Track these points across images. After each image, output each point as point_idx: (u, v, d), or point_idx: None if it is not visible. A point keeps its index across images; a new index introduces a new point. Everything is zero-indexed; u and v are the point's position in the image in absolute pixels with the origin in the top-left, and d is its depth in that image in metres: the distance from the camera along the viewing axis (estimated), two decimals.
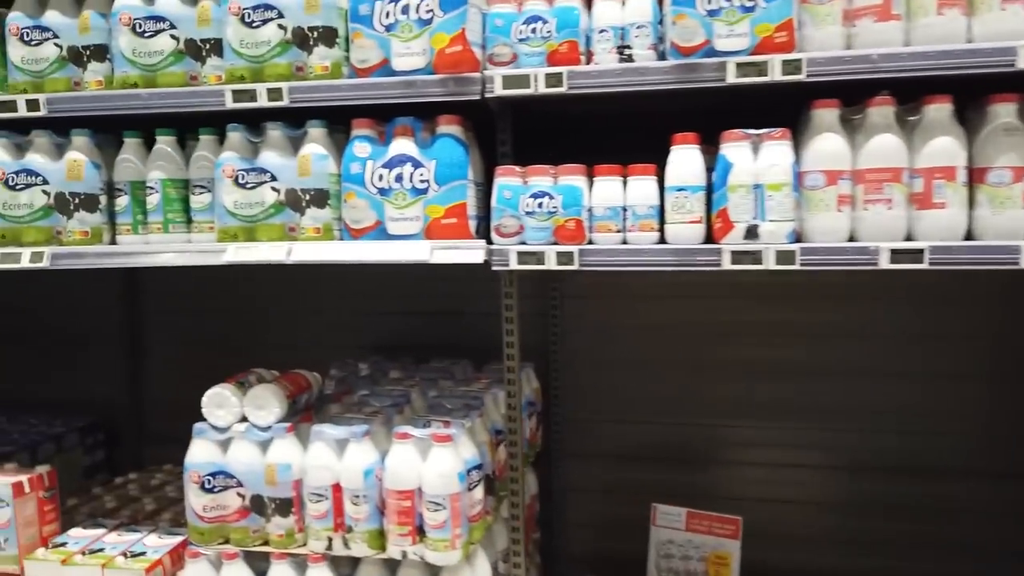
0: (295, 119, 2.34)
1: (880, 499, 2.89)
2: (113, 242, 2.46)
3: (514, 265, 2.13)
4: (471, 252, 2.15)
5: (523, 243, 2.15)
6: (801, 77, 1.93)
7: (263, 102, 2.21)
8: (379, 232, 2.23)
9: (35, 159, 2.43)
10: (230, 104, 2.23)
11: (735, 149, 2.01)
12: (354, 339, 3.26)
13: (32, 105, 2.34)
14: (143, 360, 3.55)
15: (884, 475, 2.88)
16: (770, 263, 1.97)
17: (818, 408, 2.92)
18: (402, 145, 2.22)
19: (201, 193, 2.37)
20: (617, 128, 2.54)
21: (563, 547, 3.17)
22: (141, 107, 2.29)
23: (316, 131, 2.29)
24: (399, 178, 2.21)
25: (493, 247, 2.16)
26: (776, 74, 1.94)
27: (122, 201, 2.42)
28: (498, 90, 2.10)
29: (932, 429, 2.82)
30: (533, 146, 2.43)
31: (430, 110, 2.23)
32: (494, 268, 2.16)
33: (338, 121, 2.33)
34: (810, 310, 2.89)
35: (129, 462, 3.47)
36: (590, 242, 2.13)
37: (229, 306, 3.38)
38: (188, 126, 2.47)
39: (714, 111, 2.21)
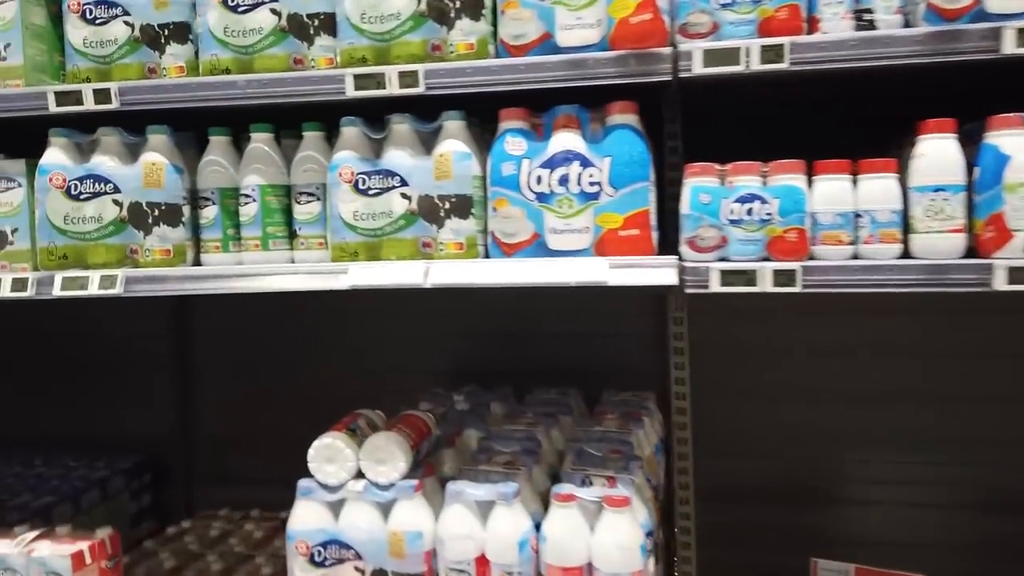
0: (417, 110, 1.92)
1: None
2: (197, 262, 2.03)
3: (716, 287, 1.71)
4: (660, 271, 1.72)
5: (724, 259, 1.73)
6: None
7: (393, 89, 1.79)
8: (537, 247, 1.81)
9: (103, 162, 1.99)
10: (351, 92, 1.81)
11: (1011, 138, 1.59)
12: (422, 364, 2.90)
13: (102, 96, 1.90)
14: (193, 388, 3.15)
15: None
16: None
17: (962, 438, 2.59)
18: (566, 139, 1.79)
19: (308, 202, 1.94)
20: (798, 119, 2.16)
21: None
22: (239, 97, 1.85)
23: (454, 124, 1.86)
24: (563, 180, 1.78)
25: (686, 264, 1.74)
26: None
27: (209, 212, 1.99)
28: (696, 68, 1.68)
29: None
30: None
31: (584, 96, 1.81)
32: (688, 291, 1.73)
33: (470, 112, 1.92)
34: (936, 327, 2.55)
35: (178, 504, 3.08)
36: (811, 256, 1.72)
37: (287, 327, 2.99)
38: (276, 120, 2.05)
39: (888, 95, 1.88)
